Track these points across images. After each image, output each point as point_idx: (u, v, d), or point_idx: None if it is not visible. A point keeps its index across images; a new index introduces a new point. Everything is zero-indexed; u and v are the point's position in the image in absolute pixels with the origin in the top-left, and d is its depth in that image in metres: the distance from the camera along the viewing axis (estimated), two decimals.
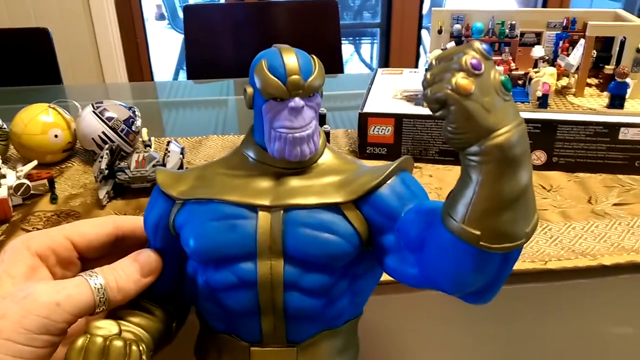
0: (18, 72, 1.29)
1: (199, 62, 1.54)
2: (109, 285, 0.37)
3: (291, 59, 0.35)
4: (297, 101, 0.35)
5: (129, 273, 0.39)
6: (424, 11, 2.45)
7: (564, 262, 0.57)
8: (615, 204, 0.68)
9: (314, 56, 0.36)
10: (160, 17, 4.34)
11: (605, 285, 0.56)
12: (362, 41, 3.52)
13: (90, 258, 0.42)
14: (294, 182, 0.37)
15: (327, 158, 0.38)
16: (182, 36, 3.78)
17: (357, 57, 3.48)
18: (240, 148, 0.39)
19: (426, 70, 0.28)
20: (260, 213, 0.36)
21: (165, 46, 3.69)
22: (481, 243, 0.29)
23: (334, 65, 1.53)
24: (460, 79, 0.26)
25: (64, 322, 0.35)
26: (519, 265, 0.56)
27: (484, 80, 0.27)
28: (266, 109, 0.35)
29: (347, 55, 3.43)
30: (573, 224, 0.64)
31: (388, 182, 0.36)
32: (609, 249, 0.59)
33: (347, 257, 0.36)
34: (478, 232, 0.29)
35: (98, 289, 0.37)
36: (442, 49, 0.83)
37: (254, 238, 0.36)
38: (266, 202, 0.36)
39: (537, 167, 0.77)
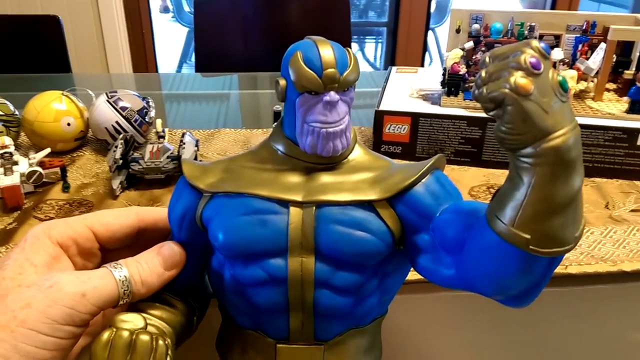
0: (28, 59, 1.28)
1: (208, 55, 1.53)
2: (133, 278, 0.37)
3: (327, 51, 0.34)
4: (333, 95, 0.34)
5: (152, 266, 0.38)
6: (431, 10, 2.44)
7: (585, 267, 0.56)
8: (632, 210, 0.68)
9: (350, 49, 0.35)
10: (165, 9, 4.32)
11: (625, 291, 0.55)
12: (367, 40, 3.52)
13: (112, 249, 0.41)
14: (326, 177, 0.36)
15: (357, 154, 0.38)
16: (186, 29, 3.78)
17: (362, 55, 3.47)
18: (269, 141, 0.38)
19: (480, 67, 0.27)
20: (292, 208, 0.35)
21: (169, 39, 3.67)
22: (530, 247, 0.28)
23: None
24: (519, 78, 0.25)
25: (88, 314, 0.34)
26: None
27: (542, 80, 0.26)
28: (300, 102, 0.35)
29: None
30: (592, 229, 0.63)
31: (423, 180, 0.35)
32: (628, 255, 0.58)
33: (380, 255, 0.36)
34: (528, 236, 0.28)
35: (122, 281, 0.36)
36: (460, 49, 0.82)
37: (285, 234, 0.35)
38: (298, 198, 0.35)
39: None
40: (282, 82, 0.35)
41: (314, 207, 0.35)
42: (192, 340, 0.42)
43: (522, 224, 0.28)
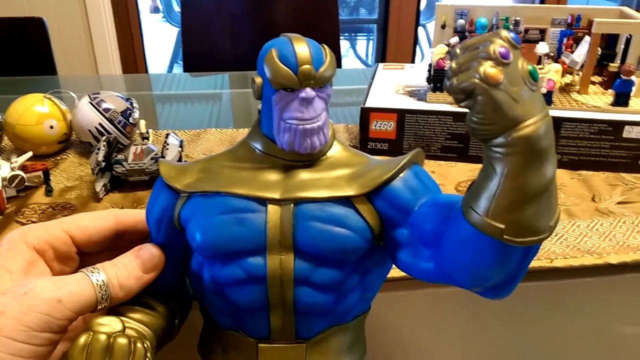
0: (11, 62, 1.26)
1: (196, 54, 1.52)
2: (111, 282, 0.36)
3: (302, 48, 0.34)
4: (309, 92, 0.34)
5: (130, 269, 0.37)
6: (421, 7, 2.44)
7: (570, 260, 0.56)
8: (619, 202, 0.68)
9: (325, 46, 0.35)
10: (155, 10, 4.30)
11: (612, 283, 0.55)
12: (358, 37, 3.51)
13: (90, 252, 0.41)
14: (304, 174, 0.36)
15: (336, 150, 0.38)
16: (176, 30, 3.77)
17: (353, 53, 3.46)
18: (247, 140, 0.38)
19: (450, 58, 0.28)
20: (270, 206, 0.35)
21: (160, 39, 3.65)
22: (505, 237, 0.28)
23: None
24: (489, 68, 0.25)
25: (65, 320, 0.34)
26: None
27: (512, 69, 0.26)
28: (276, 99, 0.34)
29: (343, 51, 3.42)
30: (578, 222, 0.63)
31: (400, 175, 0.35)
32: (614, 247, 0.58)
33: (359, 251, 0.36)
34: (502, 226, 0.28)
35: (100, 285, 0.36)
36: (445, 44, 0.82)
37: (263, 232, 0.35)
38: (276, 195, 0.35)
39: None
40: (258, 79, 0.35)
41: (292, 205, 0.35)
42: (175, 343, 0.42)
43: (496, 214, 0.28)
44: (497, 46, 0.25)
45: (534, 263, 0.56)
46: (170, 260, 0.39)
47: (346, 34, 3.43)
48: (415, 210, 0.35)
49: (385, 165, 0.36)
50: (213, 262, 0.37)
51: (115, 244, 0.41)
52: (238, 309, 0.37)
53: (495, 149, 0.27)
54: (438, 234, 0.33)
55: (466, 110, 0.27)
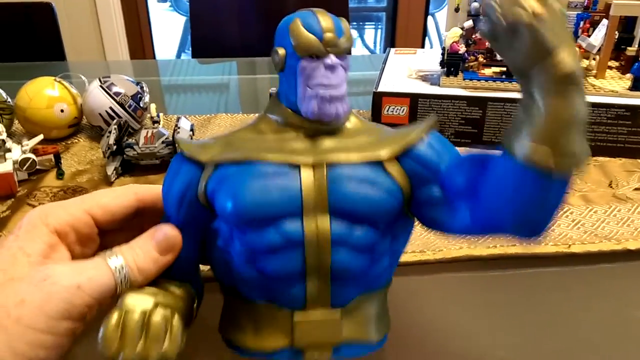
0: (21, 47, 1.26)
1: (204, 41, 1.51)
2: (129, 266, 0.35)
3: (325, 17, 0.35)
4: (334, 59, 0.35)
5: (146, 251, 0.36)
6: None
7: (588, 245, 0.55)
8: (636, 189, 0.66)
9: (343, 19, 0.36)
10: None
11: (630, 269, 0.54)
12: (366, 26, 3.48)
13: (108, 231, 0.40)
14: (330, 141, 0.37)
15: (353, 121, 0.39)
16: (183, 19, 3.76)
17: (361, 42, 3.44)
18: (265, 114, 0.38)
19: None
20: (303, 170, 0.35)
21: (167, 28, 3.64)
22: (550, 164, 0.29)
23: None
24: (535, 3, 0.27)
25: (84, 306, 0.33)
26: (541, 249, 0.55)
27: (551, 7, 0.28)
28: (302, 67, 0.35)
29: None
30: (595, 207, 0.62)
31: (424, 138, 0.36)
32: (632, 233, 0.57)
33: (392, 212, 0.36)
34: (549, 150, 0.29)
35: (119, 270, 0.34)
36: (460, 27, 0.81)
37: (298, 195, 0.35)
38: (308, 160, 0.35)
39: None
40: (281, 50, 0.36)
41: (325, 168, 0.35)
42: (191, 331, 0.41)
43: (542, 139, 0.29)
44: None
45: (551, 248, 0.55)
46: (188, 241, 0.38)
47: (354, 23, 3.41)
48: (444, 170, 0.36)
49: (405, 131, 0.37)
50: (246, 229, 0.36)
51: (135, 221, 0.40)
52: (273, 278, 0.36)
53: (535, 79, 0.29)
54: (473, 184, 0.34)
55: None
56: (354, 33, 3.38)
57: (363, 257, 0.36)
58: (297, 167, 0.35)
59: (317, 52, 0.35)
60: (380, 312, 0.40)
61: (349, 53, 0.36)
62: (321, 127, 0.36)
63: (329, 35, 0.34)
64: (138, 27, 2.24)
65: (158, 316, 0.34)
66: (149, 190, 0.41)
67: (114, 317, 0.33)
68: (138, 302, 0.34)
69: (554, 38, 0.28)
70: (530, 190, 0.31)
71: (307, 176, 0.35)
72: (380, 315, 0.40)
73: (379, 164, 0.36)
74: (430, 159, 0.36)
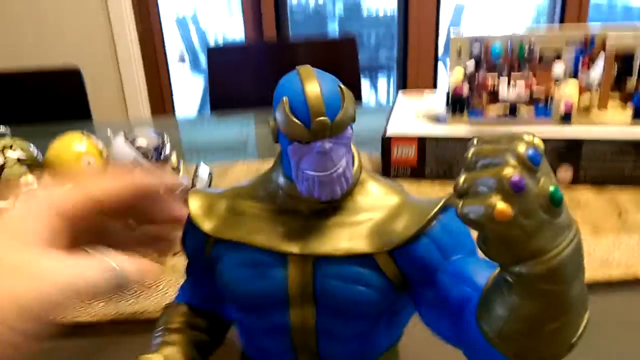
0: (50, 111, 1.34)
1: (222, 100, 1.58)
2: (121, 266, 0.32)
3: (315, 94, 0.31)
4: (324, 146, 0.32)
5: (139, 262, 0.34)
6: (440, 43, 2.49)
7: (596, 272, 0.56)
8: None
9: (341, 85, 0.33)
10: (181, 59, 4.48)
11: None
12: (379, 77, 3.58)
13: (109, 215, 0.37)
14: (326, 221, 0.35)
15: (364, 188, 0.36)
16: (202, 79, 3.91)
17: (374, 92, 3.52)
18: (271, 176, 0.38)
19: (463, 164, 0.24)
20: (291, 262, 0.35)
21: (187, 88, 3.79)
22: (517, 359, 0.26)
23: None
24: (499, 204, 0.22)
25: (68, 302, 0.30)
26: None
27: (527, 199, 0.22)
28: (291, 151, 0.33)
29: (365, 93, 3.49)
30: (603, 237, 0.63)
31: (428, 228, 0.33)
32: None
33: (380, 305, 0.35)
34: (514, 351, 0.26)
35: (108, 267, 0.32)
36: (463, 67, 0.84)
37: (284, 287, 0.35)
38: (295, 250, 0.34)
39: (564, 184, 0.77)
40: (273, 123, 0.34)
41: (312, 260, 0.34)
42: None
43: (508, 338, 0.26)
44: (510, 172, 0.22)
45: None
46: (210, 279, 0.40)
47: (367, 73, 3.51)
48: (443, 269, 0.32)
49: (415, 214, 0.34)
50: (240, 309, 0.38)
51: (133, 207, 0.38)
52: (267, 351, 0.38)
53: (509, 275, 0.24)
54: (458, 308, 0.30)
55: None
56: (366, 85, 3.47)
57: (352, 343, 0.36)
58: (285, 256, 0.35)
59: (304, 140, 0.32)
60: None
61: (349, 124, 0.33)
62: (318, 205, 0.35)
63: (318, 121, 0.31)
64: (159, 88, 2.34)
65: None
66: (145, 179, 0.39)
67: None
68: None
69: (528, 242, 0.23)
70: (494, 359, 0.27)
71: (294, 268, 0.34)
72: None
73: (369, 256, 0.34)
74: (427, 261, 0.33)
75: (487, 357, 0.28)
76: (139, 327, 0.51)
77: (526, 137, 0.23)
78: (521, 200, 0.22)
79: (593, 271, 0.56)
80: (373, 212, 0.35)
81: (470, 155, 0.24)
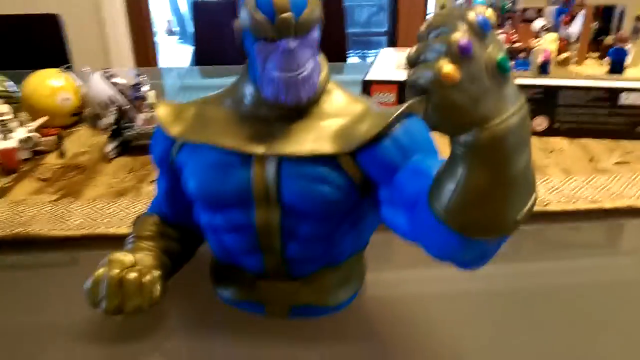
0: (30, 58, 1.31)
1: (206, 55, 1.57)
2: None
3: None
4: (288, 43, 0.32)
5: None
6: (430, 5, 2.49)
7: (564, 204, 0.57)
8: (617, 163, 0.68)
9: None
10: (170, 32, 4.42)
11: (605, 228, 0.56)
12: (369, 54, 3.57)
13: None
14: (292, 125, 0.35)
15: (330, 96, 0.36)
16: (191, 48, 3.87)
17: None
18: (237, 84, 0.38)
19: (418, 39, 0.24)
20: (256, 163, 0.35)
21: (176, 58, 3.75)
22: (464, 233, 0.27)
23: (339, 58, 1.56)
24: (446, 67, 0.22)
25: None
26: None
27: (474, 63, 0.22)
28: (257, 50, 0.33)
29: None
30: (574, 177, 0.64)
31: (391, 130, 0.34)
32: (610, 196, 0.59)
33: (343, 206, 0.35)
34: (461, 223, 0.27)
35: None
36: None
37: (249, 187, 0.35)
38: (260, 150, 0.35)
39: (539, 133, 0.78)
40: (237, 24, 0.34)
41: (276, 161, 0.35)
42: (191, 273, 0.44)
43: (455, 212, 0.27)
44: (459, 36, 0.22)
45: None
46: (178, 191, 0.41)
47: (358, 51, 3.49)
48: (402, 169, 0.33)
49: (377, 118, 0.34)
50: (205, 208, 0.38)
51: None
52: (232, 250, 0.39)
53: (457, 146, 0.25)
54: (413, 201, 0.31)
55: None
56: (355, 59, 3.46)
57: (316, 244, 0.37)
58: (250, 157, 0.35)
59: (269, 36, 0.32)
60: (346, 278, 0.41)
61: (315, 26, 0.33)
62: (285, 110, 0.35)
63: (282, 17, 0.31)
64: (147, 58, 2.30)
65: (132, 274, 0.37)
66: None
67: (98, 272, 0.37)
68: (118, 260, 0.37)
69: (474, 107, 0.23)
70: (451, 242, 0.28)
71: (258, 168, 0.35)
72: (346, 281, 0.41)
73: (332, 157, 0.34)
74: (387, 160, 0.33)
75: (438, 240, 0.29)
76: (113, 242, 0.51)
77: (478, 7, 0.23)
78: (469, 64, 0.22)
79: (562, 204, 0.57)
80: (338, 117, 0.35)
81: (424, 27, 0.24)
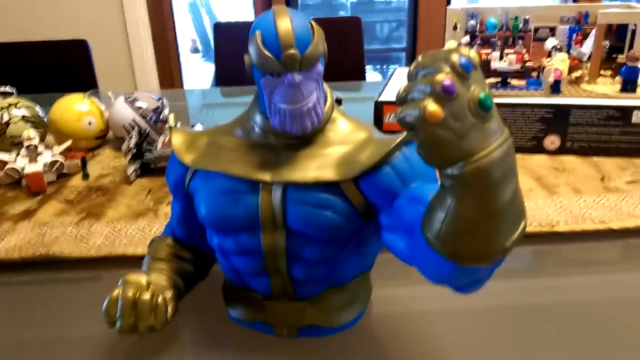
0: (58, 82, 1.37)
1: (227, 76, 1.60)
2: None
3: (285, 28, 0.33)
4: (293, 78, 0.34)
5: None
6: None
7: (572, 225, 0.58)
8: (628, 182, 0.68)
9: (313, 22, 0.35)
10: (195, 50, 4.52)
11: (613, 247, 0.56)
12: (389, 69, 3.59)
13: None
14: (297, 153, 0.37)
15: (335, 124, 0.38)
16: (214, 66, 3.95)
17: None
18: (248, 114, 0.40)
19: (407, 79, 0.26)
20: (263, 189, 0.37)
21: (199, 77, 3.83)
22: (455, 260, 0.28)
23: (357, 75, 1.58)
24: (430, 105, 0.24)
25: None
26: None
27: (457, 103, 0.24)
28: (264, 83, 0.35)
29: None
30: (584, 197, 0.64)
31: (391, 158, 0.35)
32: (619, 217, 0.59)
33: (346, 231, 0.37)
34: (451, 251, 0.28)
35: None
36: (457, 42, 0.86)
37: (256, 212, 0.37)
38: (267, 178, 0.37)
39: (551, 152, 0.78)
40: (247, 59, 0.36)
41: (282, 187, 0.37)
42: (206, 294, 0.46)
43: (445, 240, 0.28)
44: (443, 77, 0.24)
45: (534, 228, 0.57)
46: (192, 215, 0.43)
47: (376, 64, 3.52)
48: (402, 195, 0.34)
49: (379, 146, 0.36)
50: (216, 233, 0.40)
51: None
52: (241, 272, 0.41)
53: (445, 178, 0.26)
54: (411, 227, 0.32)
55: None
56: (376, 76, 3.48)
57: (321, 266, 0.39)
58: (258, 184, 0.37)
59: (275, 72, 0.34)
60: (351, 299, 0.42)
61: (319, 59, 0.35)
62: (292, 135, 0.37)
63: (288, 53, 0.33)
64: (170, 78, 2.36)
65: (146, 295, 0.39)
66: None
67: (114, 293, 0.39)
68: (133, 282, 0.40)
69: (458, 144, 0.24)
70: (444, 267, 0.30)
71: (265, 195, 0.37)
72: (351, 301, 0.42)
73: (336, 184, 0.36)
74: (387, 187, 0.35)
75: (433, 265, 0.31)
76: (131, 262, 0.54)
77: (461, 50, 0.25)
78: (452, 103, 0.24)
79: (571, 225, 0.58)
80: (342, 145, 0.37)
81: (412, 68, 0.26)
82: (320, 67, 0.35)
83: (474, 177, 0.25)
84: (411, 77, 0.26)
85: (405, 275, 0.52)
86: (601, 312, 0.46)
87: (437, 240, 0.28)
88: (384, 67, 3.55)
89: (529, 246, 0.56)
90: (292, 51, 0.33)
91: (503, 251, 0.28)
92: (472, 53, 0.25)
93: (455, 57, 0.24)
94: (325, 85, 0.38)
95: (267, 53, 0.34)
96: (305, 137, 0.37)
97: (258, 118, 0.38)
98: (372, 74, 3.39)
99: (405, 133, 0.35)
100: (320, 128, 0.38)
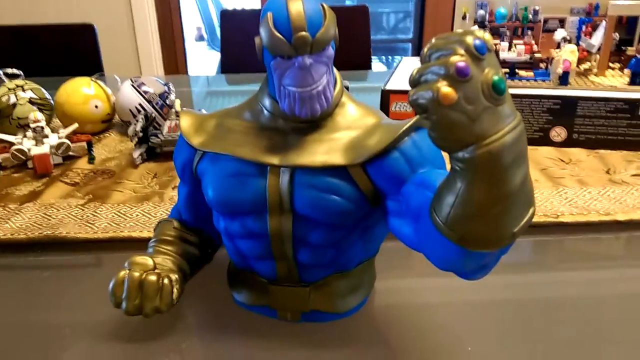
0: (65, 66, 1.37)
1: (232, 63, 1.60)
2: None
3: (297, 10, 0.33)
4: (305, 60, 0.34)
5: None
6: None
7: (577, 216, 0.58)
8: (634, 175, 0.68)
9: (325, 4, 0.35)
10: (200, 38, 4.51)
11: (618, 240, 0.56)
12: (395, 59, 3.57)
13: None
14: (306, 136, 0.37)
15: (344, 109, 0.38)
16: (219, 55, 3.94)
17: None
18: (257, 97, 0.40)
19: (420, 60, 0.26)
20: (270, 173, 0.37)
21: (204, 65, 3.82)
22: (462, 245, 0.28)
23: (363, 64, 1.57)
24: (444, 87, 0.24)
25: None
26: None
27: (471, 85, 0.24)
28: (274, 66, 0.35)
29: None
30: (589, 188, 0.64)
31: (400, 144, 0.35)
32: (624, 209, 0.59)
33: (353, 216, 0.37)
34: (459, 235, 0.28)
35: None
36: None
37: (264, 196, 0.37)
38: (275, 161, 0.37)
39: (557, 144, 0.78)
40: (258, 41, 0.35)
41: (290, 171, 0.37)
42: (210, 279, 0.46)
43: (454, 224, 0.28)
44: (457, 59, 0.24)
45: (539, 218, 0.57)
46: (199, 198, 0.43)
47: (381, 56, 3.50)
48: (409, 181, 0.34)
49: (387, 131, 0.36)
50: (223, 215, 0.40)
51: None
52: (247, 256, 0.41)
53: (456, 162, 0.26)
54: (418, 213, 0.32)
55: None
56: (381, 67, 3.46)
57: (326, 250, 0.39)
58: (266, 167, 0.37)
59: (286, 54, 0.34)
60: (356, 284, 0.42)
61: (330, 43, 0.35)
62: (301, 119, 0.37)
63: (299, 35, 0.33)
64: (175, 65, 2.36)
65: (153, 277, 0.39)
66: None
67: (120, 274, 0.39)
68: (140, 263, 0.40)
69: (471, 126, 0.24)
70: (451, 253, 0.29)
71: (273, 178, 0.37)
72: (355, 287, 0.42)
73: (344, 169, 0.36)
74: (395, 172, 0.35)
75: (440, 251, 0.31)
76: (136, 244, 0.54)
77: (476, 32, 0.25)
78: (466, 86, 0.24)
79: (575, 216, 0.58)
80: (350, 130, 0.37)
81: (425, 50, 0.26)
82: (330, 51, 0.35)
83: (486, 161, 0.25)
84: (424, 59, 0.26)
85: (409, 267, 0.52)
86: (605, 305, 0.46)
87: (446, 224, 0.28)
88: (390, 58, 3.53)
89: (533, 237, 0.56)
90: (304, 33, 0.33)
91: (511, 236, 0.28)
92: (487, 35, 0.25)
93: (469, 39, 0.24)
94: (335, 70, 0.38)
95: (278, 35, 0.33)
96: (314, 121, 0.37)
97: (267, 101, 0.38)
98: (377, 65, 3.37)
99: (414, 119, 0.35)
100: (329, 112, 0.37)
